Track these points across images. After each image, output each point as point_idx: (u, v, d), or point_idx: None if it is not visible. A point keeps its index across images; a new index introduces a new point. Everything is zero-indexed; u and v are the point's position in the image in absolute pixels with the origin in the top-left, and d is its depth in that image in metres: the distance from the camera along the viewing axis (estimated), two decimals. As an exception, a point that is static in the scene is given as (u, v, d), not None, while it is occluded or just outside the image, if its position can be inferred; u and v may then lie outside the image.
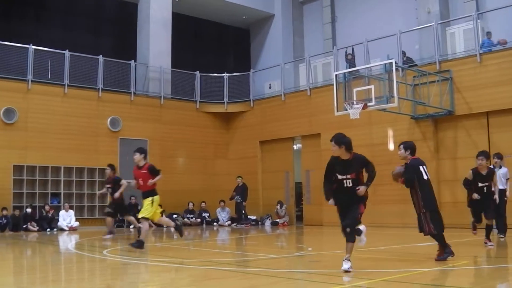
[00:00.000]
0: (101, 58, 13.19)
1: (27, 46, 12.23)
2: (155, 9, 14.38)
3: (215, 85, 14.68)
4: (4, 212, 11.94)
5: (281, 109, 13.90)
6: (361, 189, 4.47)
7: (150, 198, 7.05)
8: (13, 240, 10.21)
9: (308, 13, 17.31)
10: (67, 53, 12.80)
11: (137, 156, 7.08)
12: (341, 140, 4.54)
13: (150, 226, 8.84)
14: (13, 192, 12.11)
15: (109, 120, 13.29)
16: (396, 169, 5.37)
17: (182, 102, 14.59)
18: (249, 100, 14.73)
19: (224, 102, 14.93)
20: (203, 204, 14.26)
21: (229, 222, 14.00)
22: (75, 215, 12.47)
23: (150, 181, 6.99)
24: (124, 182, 9.45)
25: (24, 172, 12.30)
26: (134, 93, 13.72)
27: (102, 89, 13.15)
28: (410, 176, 5.13)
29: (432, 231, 5.15)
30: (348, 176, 4.52)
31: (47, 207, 12.48)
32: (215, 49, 17.63)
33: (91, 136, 13.11)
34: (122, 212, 9.83)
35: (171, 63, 14.54)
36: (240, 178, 13.41)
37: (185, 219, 13.46)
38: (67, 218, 12.57)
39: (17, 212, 12.12)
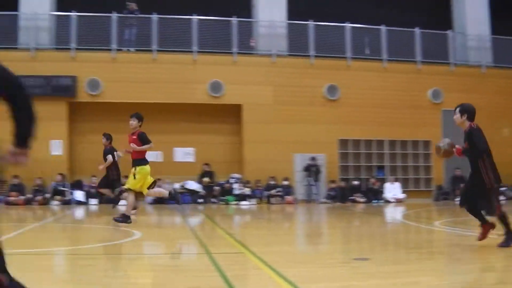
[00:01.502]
0: (417, 30, 15.75)
1: (343, 24, 15.96)
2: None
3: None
4: (333, 185, 15.20)
5: None
6: None
7: (133, 169, 7.96)
8: (342, 211, 12.38)
9: None
10: (383, 28, 16.08)
11: (133, 122, 8.12)
12: None
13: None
14: (340, 165, 15.44)
15: (430, 92, 15.66)
16: (444, 141, 5.49)
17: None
18: None
19: None
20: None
21: None
22: (401, 187, 14.80)
23: (133, 145, 7.90)
24: (109, 157, 10.21)
25: (348, 146, 15.43)
26: (454, 64, 15.92)
27: (421, 62, 15.65)
28: (485, 143, 5.16)
29: (502, 211, 5.14)
30: None
31: (372, 180, 15.21)
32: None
33: (410, 109, 15.54)
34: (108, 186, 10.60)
35: (491, 30, 15.95)
36: None
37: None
38: (392, 190, 14.93)
39: (344, 184, 15.21)
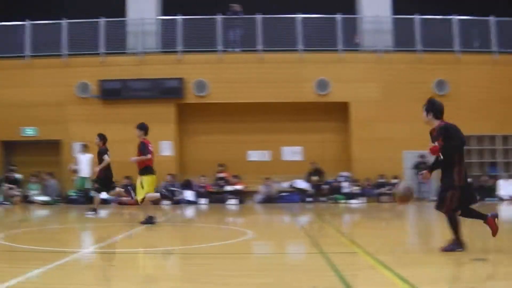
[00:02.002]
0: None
1: (450, 17, 16.34)
2: None
3: None
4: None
5: None
6: None
7: (139, 179, 8.84)
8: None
9: None
10: (492, 19, 15.86)
11: (136, 132, 9.00)
12: None
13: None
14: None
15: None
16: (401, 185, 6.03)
17: None
18: None
19: None
20: None
21: None
22: (517, 185, 15.29)
23: (133, 159, 8.79)
24: (106, 157, 10.82)
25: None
26: None
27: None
28: (461, 139, 5.41)
29: (452, 213, 5.37)
30: None
31: (484, 177, 15.73)
32: None
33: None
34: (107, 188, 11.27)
35: None
36: None
37: None
38: (507, 187, 15.47)
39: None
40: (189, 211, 13.83)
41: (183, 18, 15.93)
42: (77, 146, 15.69)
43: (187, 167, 16.37)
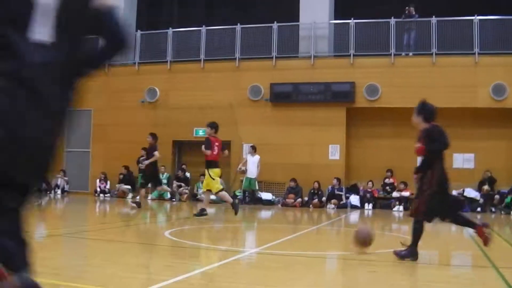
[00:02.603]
0: None
1: None
2: None
3: None
4: None
5: None
6: None
7: (206, 172, 12.65)
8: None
9: None
10: None
11: (207, 129, 12.97)
12: None
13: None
14: None
15: None
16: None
17: None
18: None
19: None
20: None
21: None
22: None
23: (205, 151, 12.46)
24: (156, 153, 14.93)
25: None
26: None
27: None
28: (440, 141, 6.53)
29: (418, 219, 6.52)
30: None
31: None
32: None
33: None
34: (153, 182, 15.93)
35: None
36: None
37: None
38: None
39: None
40: (354, 216, 17.11)
41: (356, 22, 19.75)
42: (246, 147, 20.03)
43: (354, 171, 20.11)
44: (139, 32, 22.75)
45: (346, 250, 8.35)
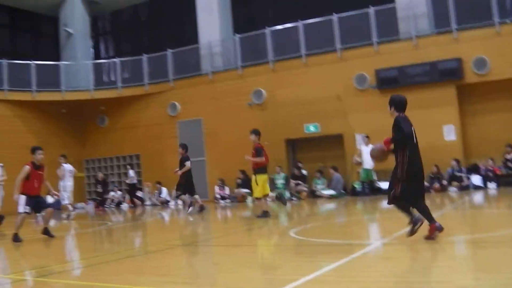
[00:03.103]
0: None
1: None
2: None
3: None
4: None
5: None
6: None
7: (253, 177, 15.06)
8: None
9: None
10: None
11: (251, 137, 15.32)
12: None
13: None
14: None
15: None
16: (376, 146, 8.72)
17: None
18: None
19: None
20: None
21: None
22: None
23: (247, 157, 15.09)
24: (187, 164, 18.79)
25: None
26: None
27: None
28: (402, 132, 8.19)
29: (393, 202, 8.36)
30: None
31: None
32: None
33: None
34: (184, 191, 19.22)
35: None
36: None
37: None
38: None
39: None
40: (478, 197, 18.83)
41: (456, -6, 22.26)
42: (359, 138, 23.35)
43: (472, 150, 22.60)
44: (237, 36, 26.83)
45: (474, 233, 9.29)
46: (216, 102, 26.50)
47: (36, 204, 12.99)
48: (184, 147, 19.55)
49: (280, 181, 24.24)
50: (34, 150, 12.99)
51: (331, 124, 23.88)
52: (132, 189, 27.93)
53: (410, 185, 8.23)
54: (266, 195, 15.43)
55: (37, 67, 28.26)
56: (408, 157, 8.21)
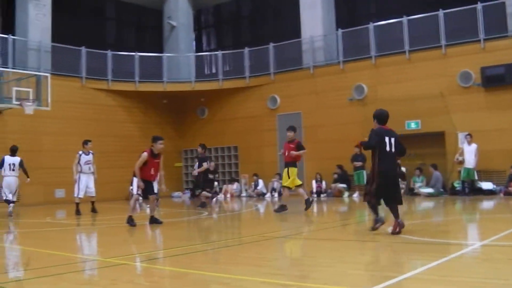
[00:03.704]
0: None
1: None
2: None
3: None
4: None
5: None
6: None
7: (286, 169, 16.13)
8: None
9: None
10: None
11: (290, 134, 16.38)
12: None
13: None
14: None
15: None
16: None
17: None
18: None
19: None
20: None
21: None
22: None
23: (293, 153, 15.98)
24: (205, 164, 20.08)
25: None
26: None
27: None
28: (369, 140, 10.07)
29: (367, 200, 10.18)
30: None
31: None
32: None
33: None
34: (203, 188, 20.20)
35: None
36: None
37: None
38: None
39: None
40: None
41: None
42: (461, 136, 23.13)
43: None
44: (340, 31, 27.09)
45: None
46: (316, 97, 26.85)
47: (146, 187, 13.50)
48: (203, 147, 20.68)
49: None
50: (155, 139, 13.38)
51: (433, 122, 23.78)
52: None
53: (378, 185, 9.88)
54: (299, 185, 16.66)
55: (140, 59, 29.25)
56: (378, 162, 9.93)
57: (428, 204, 19.34)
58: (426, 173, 24.03)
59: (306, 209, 16.35)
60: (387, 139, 9.96)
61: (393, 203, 9.91)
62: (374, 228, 10.12)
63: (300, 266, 7.40)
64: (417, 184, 24.09)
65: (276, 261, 7.94)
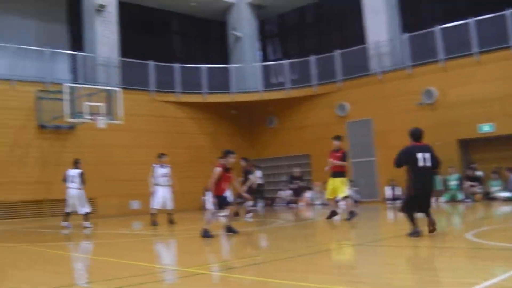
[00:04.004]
0: None
1: None
2: None
3: None
4: None
5: None
6: None
7: (340, 179, 16.54)
8: None
9: None
10: None
11: (336, 143, 16.60)
12: None
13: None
14: None
15: None
16: None
17: None
18: None
19: None
20: None
21: None
22: None
23: (334, 161, 16.28)
24: (251, 177, 19.93)
25: None
26: None
27: None
28: (396, 159, 10.89)
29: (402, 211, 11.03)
30: None
31: None
32: None
33: None
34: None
35: None
36: None
37: None
38: None
39: None
40: None
41: None
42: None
43: None
44: (405, 35, 26.85)
45: None
46: (385, 102, 26.70)
47: (220, 201, 13.67)
48: (246, 160, 20.60)
49: (453, 182, 24.14)
50: (227, 153, 13.54)
51: (508, 124, 23.29)
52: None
53: (411, 199, 10.86)
54: (346, 197, 16.89)
55: (207, 70, 29.64)
56: (411, 177, 10.74)
57: (506, 208, 19.12)
58: (502, 177, 23.51)
59: (328, 218, 16.94)
60: (419, 155, 10.57)
61: (425, 211, 10.86)
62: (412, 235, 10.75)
63: (379, 274, 7.43)
64: (494, 188, 23.61)
65: (354, 269, 8.05)
